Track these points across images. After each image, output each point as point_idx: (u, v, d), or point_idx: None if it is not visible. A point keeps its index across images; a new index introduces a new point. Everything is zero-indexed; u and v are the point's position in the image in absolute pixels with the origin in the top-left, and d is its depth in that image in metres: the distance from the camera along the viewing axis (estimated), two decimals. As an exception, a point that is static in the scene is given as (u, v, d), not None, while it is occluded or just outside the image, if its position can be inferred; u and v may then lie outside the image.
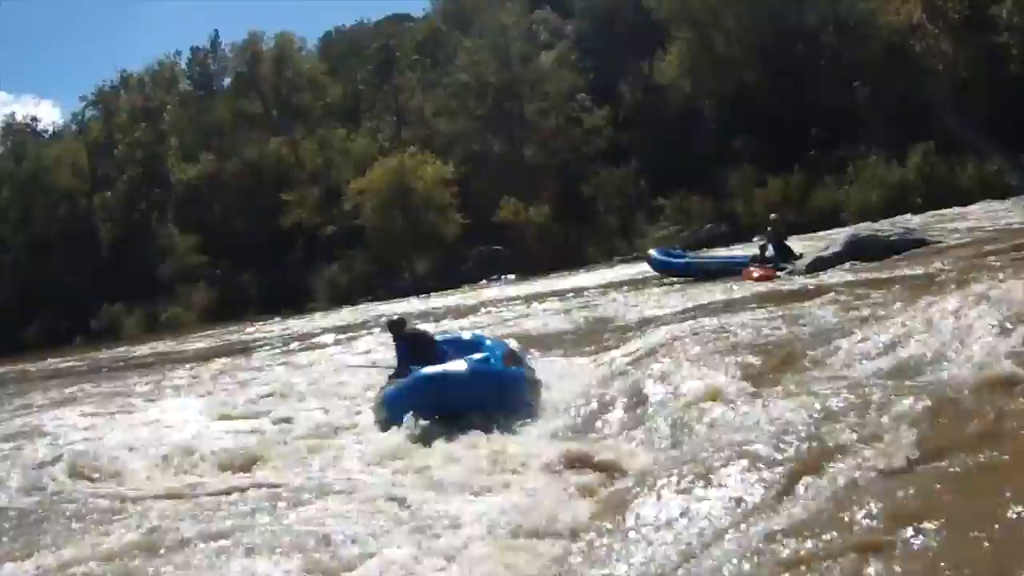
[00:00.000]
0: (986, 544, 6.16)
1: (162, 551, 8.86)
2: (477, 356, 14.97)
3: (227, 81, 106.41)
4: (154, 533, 9.34)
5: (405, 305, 50.66)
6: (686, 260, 35.59)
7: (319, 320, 53.14)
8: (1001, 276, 14.35)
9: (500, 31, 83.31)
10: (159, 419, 18.61)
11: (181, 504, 10.91)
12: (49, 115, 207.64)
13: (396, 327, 16.92)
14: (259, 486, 11.24)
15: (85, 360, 48.94)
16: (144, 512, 10.65)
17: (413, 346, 16.35)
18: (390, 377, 16.15)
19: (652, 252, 37.56)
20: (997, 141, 53.36)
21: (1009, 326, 10.56)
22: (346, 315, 52.42)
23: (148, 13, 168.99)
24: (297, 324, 52.46)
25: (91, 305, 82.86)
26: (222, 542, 8.86)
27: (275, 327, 52.21)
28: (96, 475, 13.10)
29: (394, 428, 13.14)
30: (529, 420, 12.96)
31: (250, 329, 53.93)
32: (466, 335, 18.93)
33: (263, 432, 15.88)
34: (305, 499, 10.19)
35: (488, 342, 16.83)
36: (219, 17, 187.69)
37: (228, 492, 11.24)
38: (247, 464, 12.81)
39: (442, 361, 15.57)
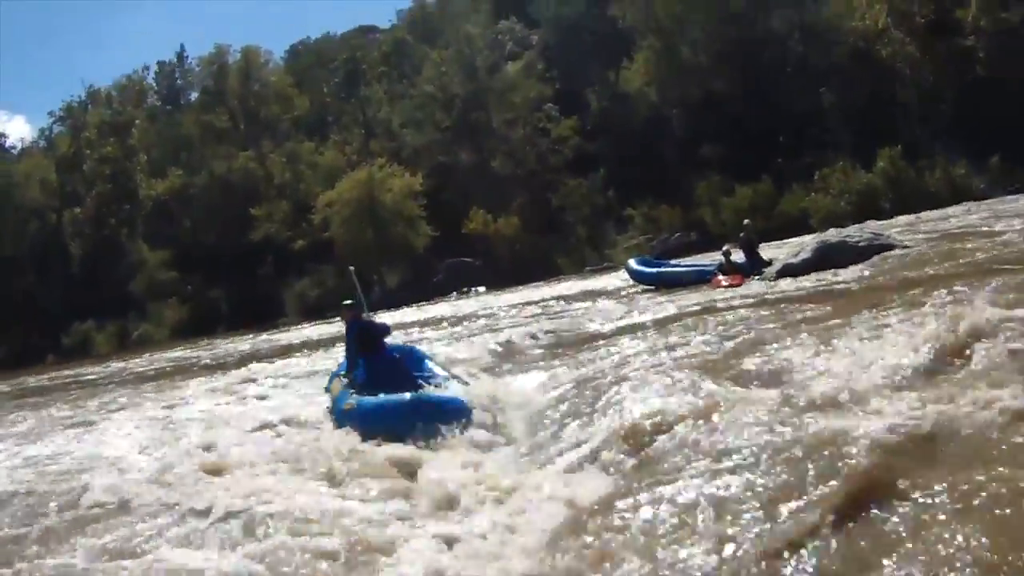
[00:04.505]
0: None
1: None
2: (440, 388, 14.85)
3: (194, 95, 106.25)
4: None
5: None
6: (658, 271, 35.59)
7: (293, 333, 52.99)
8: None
9: (466, 41, 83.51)
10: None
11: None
12: (22, 131, 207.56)
13: (352, 310, 16.69)
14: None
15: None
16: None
17: (364, 335, 16.34)
18: (342, 374, 16.41)
19: (631, 262, 37.53)
20: (964, 145, 53.63)
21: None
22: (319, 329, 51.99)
23: (118, 27, 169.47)
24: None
25: (62, 322, 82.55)
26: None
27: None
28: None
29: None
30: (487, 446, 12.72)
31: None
32: (407, 346, 19.04)
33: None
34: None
35: (428, 363, 16.84)
36: (186, 31, 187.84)
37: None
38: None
39: (390, 359, 16.19)
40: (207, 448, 14.95)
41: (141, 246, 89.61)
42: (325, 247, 76.93)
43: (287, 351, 38.04)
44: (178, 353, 51.68)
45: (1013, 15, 57.62)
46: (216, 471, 12.87)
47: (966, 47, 59.17)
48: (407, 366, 16.22)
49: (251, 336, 56.69)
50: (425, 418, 12.87)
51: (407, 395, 13.88)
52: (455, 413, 13.05)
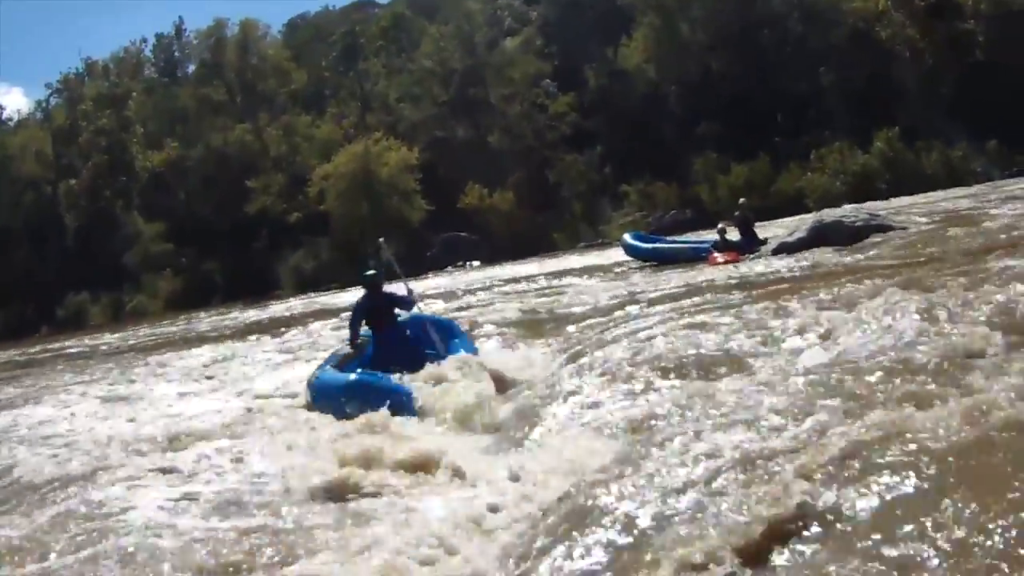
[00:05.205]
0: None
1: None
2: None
3: (192, 68, 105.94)
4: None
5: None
6: (654, 246, 35.50)
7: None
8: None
9: (465, 17, 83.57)
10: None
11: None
12: (18, 102, 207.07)
13: (375, 284, 16.37)
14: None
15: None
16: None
17: (373, 308, 16.13)
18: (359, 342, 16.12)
19: (626, 236, 37.40)
20: (962, 127, 53.56)
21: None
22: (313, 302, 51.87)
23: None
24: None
25: (57, 294, 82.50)
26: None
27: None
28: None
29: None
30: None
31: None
32: (439, 318, 18.52)
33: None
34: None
35: (453, 335, 16.57)
36: (184, 4, 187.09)
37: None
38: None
39: (401, 333, 16.12)
40: (178, 418, 15.18)
41: (136, 218, 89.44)
42: (320, 220, 77.00)
43: (278, 324, 37.89)
44: (170, 326, 51.52)
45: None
46: (182, 442, 12.99)
47: (966, 30, 59.07)
48: (423, 340, 16.03)
49: (245, 308, 56.58)
50: (359, 401, 12.87)
51: (350, 376, 14.00)
52: (393, 400, 12.83)
